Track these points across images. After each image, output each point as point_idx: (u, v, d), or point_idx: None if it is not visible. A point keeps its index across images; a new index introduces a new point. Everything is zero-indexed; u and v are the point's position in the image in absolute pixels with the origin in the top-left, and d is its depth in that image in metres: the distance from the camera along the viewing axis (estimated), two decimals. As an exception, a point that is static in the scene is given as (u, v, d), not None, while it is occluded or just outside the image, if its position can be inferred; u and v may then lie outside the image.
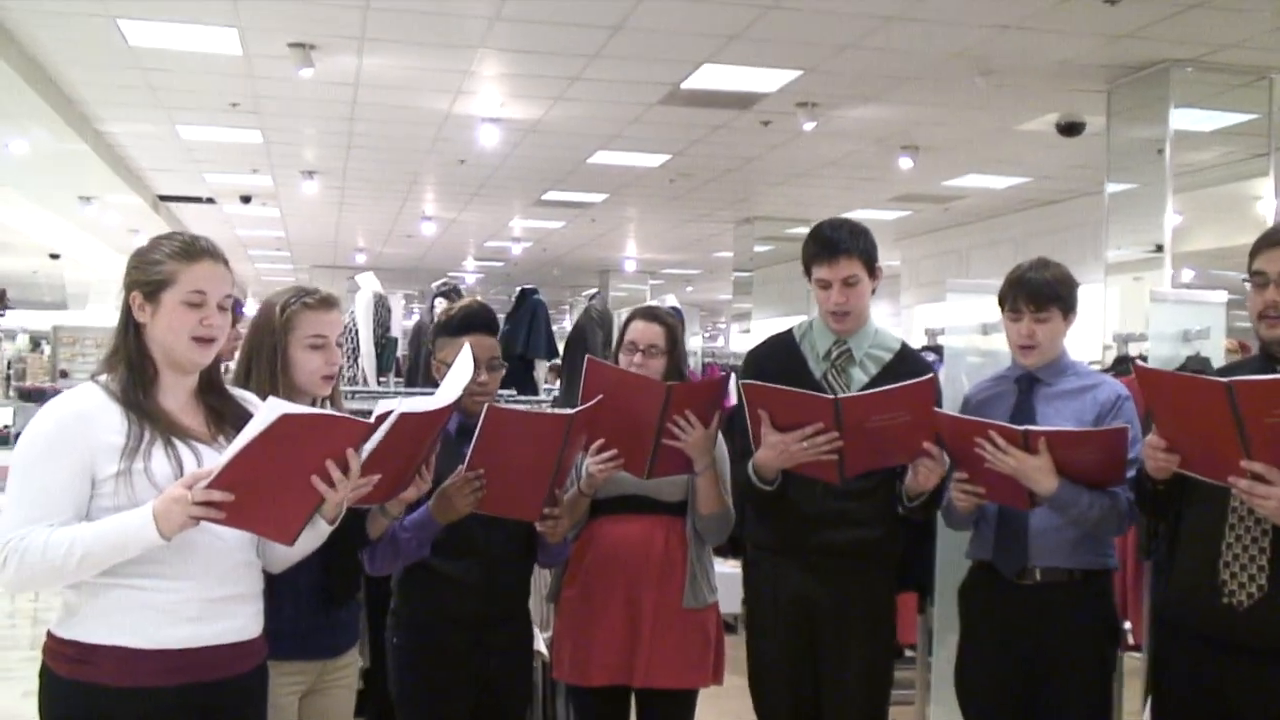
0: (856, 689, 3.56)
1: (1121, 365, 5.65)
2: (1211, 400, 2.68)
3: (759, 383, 3.39)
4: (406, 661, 3.44)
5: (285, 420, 2.35)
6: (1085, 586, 3.42)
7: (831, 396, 3.29)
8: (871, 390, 3.38)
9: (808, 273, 3.66)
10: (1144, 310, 8.42)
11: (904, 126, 10.40)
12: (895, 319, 20.47)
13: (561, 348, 8.74)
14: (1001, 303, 3.57)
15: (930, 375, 3.35)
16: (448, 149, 11.86)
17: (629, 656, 3.60)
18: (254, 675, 2.69)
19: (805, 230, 12.67)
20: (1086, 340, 5.77)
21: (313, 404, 3.08)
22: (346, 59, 8.57)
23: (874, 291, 3.68)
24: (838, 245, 3.54)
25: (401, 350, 8.91)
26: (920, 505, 3.49)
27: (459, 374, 2.95)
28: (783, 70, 8.67)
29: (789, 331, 3.78)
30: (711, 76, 8.83)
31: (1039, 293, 3.45)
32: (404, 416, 2.69)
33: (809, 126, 9.71)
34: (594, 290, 9.37)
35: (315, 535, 2.63)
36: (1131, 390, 3.63)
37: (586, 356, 3.69)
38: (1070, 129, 9.78)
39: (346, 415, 2.56)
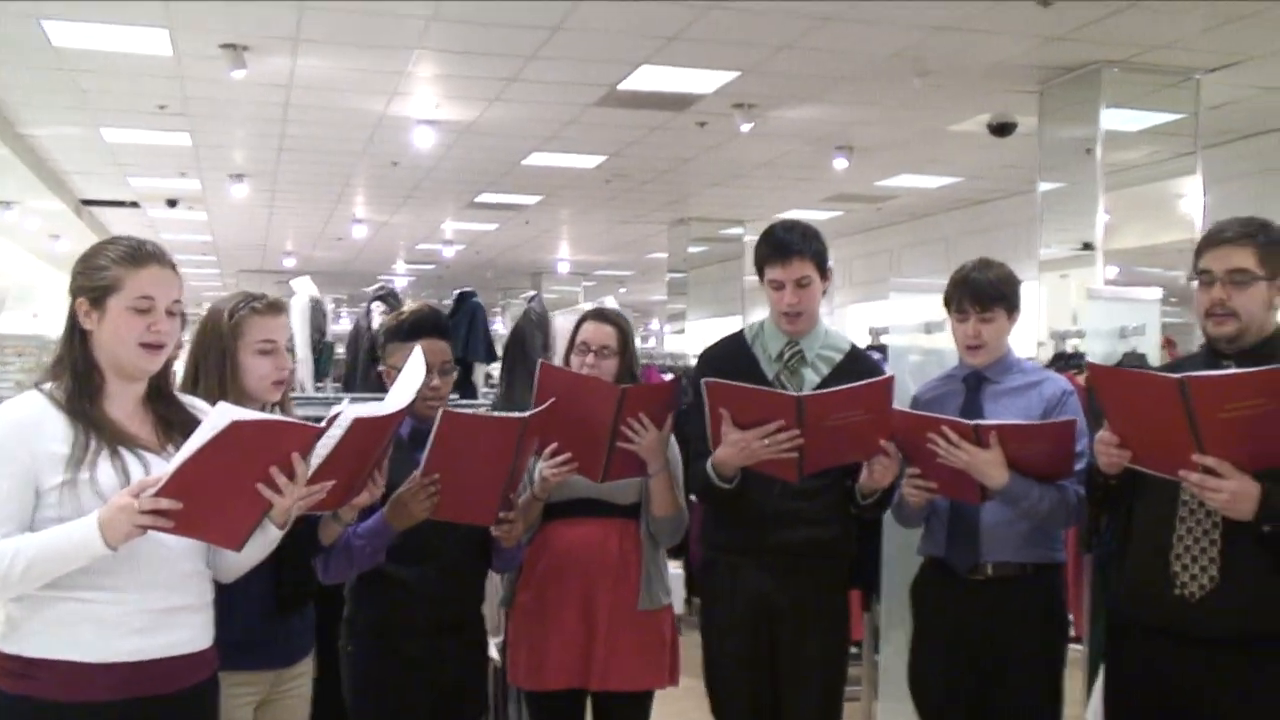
0: (813, 686, 3.59)
1: (1060, 362, 5.75)
2: (1164, 396, 2.72)
3: (722, 381, 3.39)
4: (362, 670, 3.41)
5: (235, 427, 2.32)
6: (1036, 580, 3.47)
7: (795, 395, 3.32)
8: (834, 389, 3.40)
9: (760, 274, 3.68)
10: (1071, 307, 8.57)
11: (839, 127, 10.47)
12: (828, 318, 20.62)
13: (500, 350, 8.70)
14: (947, 303, 3.61)
15: (889, 375, 3.39)
16: (381, 151, 11.76)
17: (585, 660, 3.60)
18: (205, 687, 2.64)
19: (739, 231, 12.79)
20: (1020, 337, 5.85)
21: (263, 410, 3.04)
22: (280, 60, 8.47)
23: (825, 293, 3.71)
24: (790, 247, 3.57)
25: (338, 354, 8.83)
26: (873, 503, 3.53)
27: (411, 379, 2.92)
28: (721, 71, 8.69)
29: (740, 333, 3.80)
30: (649, 78, 8.83)
31: (984, 293, 3.50)
32: (358, 421, 2.66)
33: (746, 128, 9.75)
34: (532, 293, 9.34)
35: (265, 541, 2.58)
36: (1074, 386, 3.70)
37: (540, 360, 3.68)
38: (1002, 129, 9.89)
39: (295, 420, 2.54)
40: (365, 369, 7.60)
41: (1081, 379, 4.56)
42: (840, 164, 11.43)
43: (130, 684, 2.47)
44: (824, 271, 3.64)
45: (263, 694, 3.04)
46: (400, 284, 25.07)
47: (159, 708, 2.51)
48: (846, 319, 17.33)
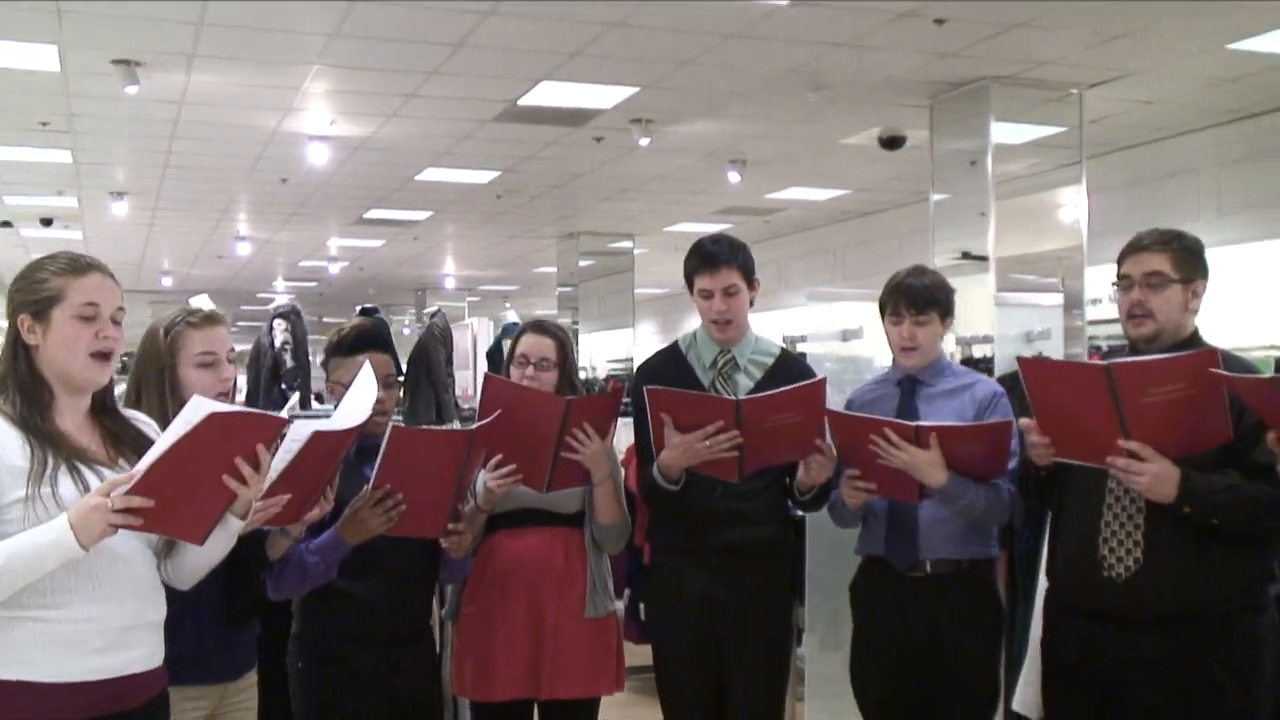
0: (758, 681, 3.70)
1: (969, 367, 5.93)
2: (1092, 383, 2.89)
3: (664, 389, 3.49)
4: (313, 685, 3.41)
5: (212, 418, 2.34)
6: (973, 575, 3.60)
7: (733, 399, 3.43)
8: (769, 392, 3.51)
9: (690, 285, 3.79)
10: (958, 314, 8.82)
11: (733, 141, 10.60)
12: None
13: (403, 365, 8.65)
14: (882, 308, 3.72)
15: (822, 378, 3.50)
16: (270, 167, 11.61)
17: (534, 669, 3.64)
18: (156, 704, 2.64)
19: (628, 244, 12.90)
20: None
21: None
22: (174, 76, 8.33)
23: (752, 303, 3.81)
24: (718, 258, 3.70)
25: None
26: (810, 499, 3.65)
27: (363, 394, 2.94)
28: (620, 87, 8.76)
29: (675, 344, 3.92)
30: (549, 94, 8.86)
31: (919, 297, 3.62)
32: (316, 435, 2.69)
33: (644, 142, 9.82)
34: (436, 308, 9.30)
35: (225, 536, 2.59)
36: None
37: (485, 373, 3.74)
38: (892, 142, 10.12)
39: (263, 412, 2.55)
40: (268, 386, 7.51)
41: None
42: (733, 177, 11.57)
43: (89, 704, 2.46)
44: (750, 281, 3.75)
45: (211, 708, 3.04)
46: (280, 302, 24.70)
47: None
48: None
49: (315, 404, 7.03)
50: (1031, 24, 7.29)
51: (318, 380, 7.08)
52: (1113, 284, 3.31)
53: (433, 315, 8.98)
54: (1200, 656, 3.04)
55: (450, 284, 22.51)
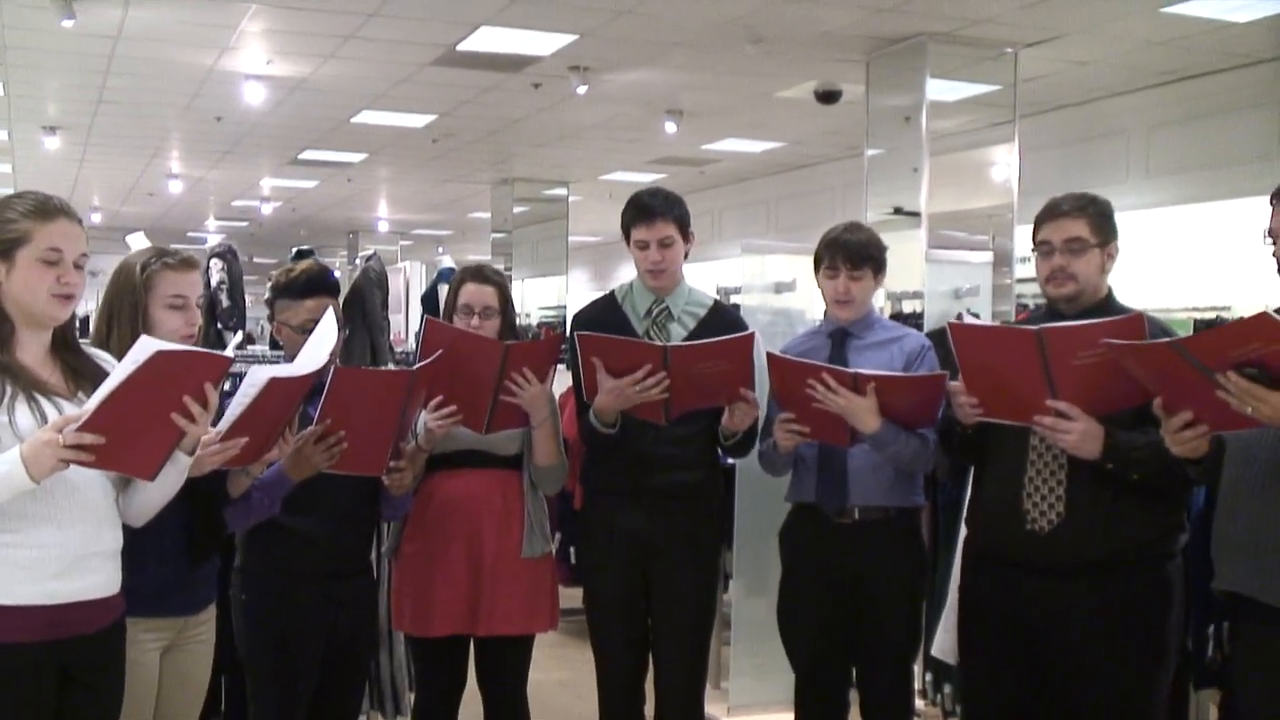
0: (685, 619, 3.83)
1: (899, 321, 6.06)
2: (1022, 347, 3.01)
3: (596, 334, 3.61)
4: (256, 617, 3.48)
5: (158, 357, 2.41)
6: (899, 522, 3.73)
7: (661, 345, 3.55)
8: (698, 342, 3.61)
9: (627, 237, 3.87)
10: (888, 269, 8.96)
11: (671, 91, 10.65)
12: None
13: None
14: (818, 261, 3.81)
15: (752, 332, 3.59)
16: (205, 105, 11.48)
17: (472, 606, 3.72)
18: (112, 631, 2.72)
19: (563, 191, 12.97)
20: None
21: None
22: (112, 11, 8.23)
23: (687, 255, 3.90)
24: (655, 210, 3.80)
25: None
26: (736, 444, 3.77)
27: (325, 337, 3.00)
28: (559, 34, 8.77)
29: (611, 294, 4.00)
30: (488, 39, 8.85)
31: (855, 252, 3.72)
32: (273, 381, 2.76)
33: (581, 90, 9.85)
34: (371, 251, 9.26)
35: (175, 472, 2.66)
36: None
37: (425, 317, 3.79)
38: (828, 97, 10.21)
39: (209, 351, 2.62)
40: (206, 326, 7.49)
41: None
42: (670, 128, 11.62)
43: (43, 627, 2.54)
44: (686, 234, 3.85)
45: (169, 640, 3.10)
46: (211, 241, 24.41)
47: (69, 651, 2.59)
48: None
49: (250, 347, 7.03)
50: (969, -20, 7.41)
51: (250, 320, 7.07)
52: (1031, 249, 3.42)
53: (368, 259, 8.93)
54: (1116, 601, 3.20)
55: (383, 227, 22.38)
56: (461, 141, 13.36)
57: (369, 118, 12.01)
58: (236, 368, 3.26)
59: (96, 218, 20.79)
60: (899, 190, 9.04)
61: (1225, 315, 8.78)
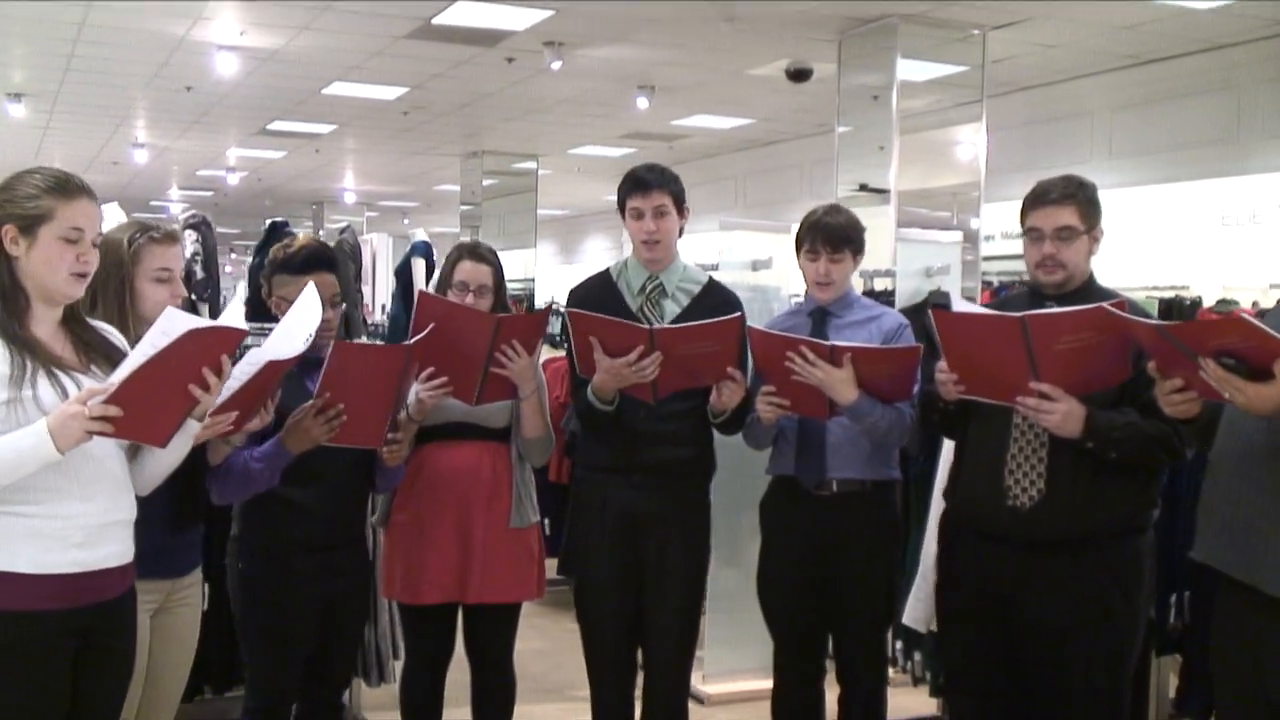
0: (676, 592, 3.91)
1: (874, 299, 6.17)
2: (1006, 333, 3.11)
3: (584, 312, 3.69)
4: (254, 585, 3.56)
5: (190, 334, 2.51)
6: (875, 495, 3.85)
7: (647, 326, 3.63)
8: (685, 324, 3.71)
9: (622, 210, 3.95)
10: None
11: (643, 67, 10.71)
12: (619, 252, 20.98)
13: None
14: (799, 244, 3.92)
15: (738, 314, 3.69)
16: (175, 75, 11.44)
17: (461, 575, 3.82)
18: (127, 598, 2.82)
19: (532, 165, 13.01)
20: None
21: None
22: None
23: (681, 232, 3.99)
24: (650, 181, 3.90)
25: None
26: (725, 421, 3.86)
27: (308, 314, 3.07)
28: (535, 9, 8.82)
29: (606, 271, 4.07)
30: (464, 13, 8.90)
31: (835, 235, 3.84)
32: (270, 365, 2.85)
33: (556, 65, 9.89)
34: (346, 224, 9.33)
35: (184, 439, 2.75)
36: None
37: (418, 290, 3.87)
38: (799, 75, 10.31)
39: (229, 325, 2.69)
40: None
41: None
42: (641, 103, 11.68)
43: (67, 595, 2.63)
44: (680, 208, 3.94)
45: (160, 600, 3.19)
46: (174, 210, 24.26)
47: (89, 617, 2.68)
48: (636, 254, 17.68)
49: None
50: (940, -35, 7.52)
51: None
52: (1020, 234, 3.50)
53: (342, 231, 9.01)
54: (1092, 574, 3.33)
55: (350, 198, 22.32)
56: (432, 114, 13.37)
57: (340, 89, 12.01)
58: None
59: (59, 186, 20.60)
60: (868, 168, 9.16)
61: (1183, 294, 8.97)
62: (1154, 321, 3.00)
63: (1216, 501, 2.95)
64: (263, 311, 3.84)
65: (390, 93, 12.20)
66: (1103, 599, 3.34)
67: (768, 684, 4.11)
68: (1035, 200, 3.45)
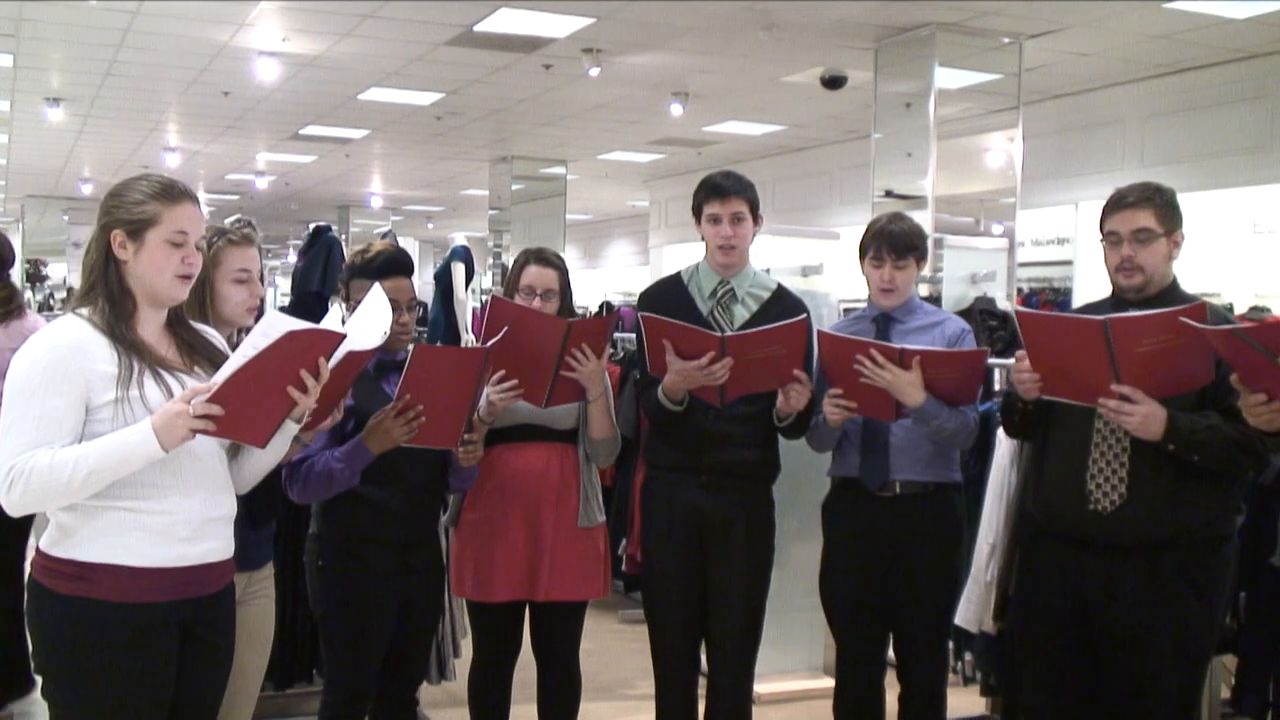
0: (740, 592, 3.99)
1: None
2: (1088, 335, 3.16)
3: (658, 317, 3.77)
4: (333, 582, 3.65)
5: (287, 337, 2.60)
6: (937, 497, 3.92)
7: (719, 334, 3.70)
8: (754, 329, 3.79)
9: (698, 216, 4.04)
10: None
11: (679, 74, 10.80)
12: (642, 257, 21.06)
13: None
14: (863, 251, 3.99)
15: (804, 316, 3.77)
16: (214, 80, 11.58)
17: (531, 574, 3.90)
18: (226, 592, 2.92)
19: (561, 170, 13.16)
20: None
21: (236, 334, 3.27)
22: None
23: (754, 237, 4.07)
24: (728, 189, 3.99)
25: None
26: (789, 426, 3.94)
27: (377, 316, 3.14)
28: (576, 17, 8.92)
29: (677, 274, 4.15)
30: (506, 20, 9.00)
31: (899, 243, 3.91)
32: (350, 355, 2.93)
33: (594, 72, 9.99)
34: (387, 229, 9.44)
35: (283, 439, 2.85)
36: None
37: (491, 295, 3.96)
38: (833, 82, 10.39)
39: (328, 328, 2.77)
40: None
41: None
42: (675, 110, 11.78)
43: (172, 588, 2.73)
44: (756, 216, 4.03)
45: (238, 593, 3.27)
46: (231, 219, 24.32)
47: (192, 610, 2.78)
48: (664, 260, 17.79)
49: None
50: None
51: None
52: (1100, 240, 3.55)
53: (383, 236, 9.13)
54: (1173, 580, 3.36)
55: (376, 202, 22.46)
56: (465, 120, 13.48)
57: (376, 94, 12.13)
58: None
59: (87, 189, 20.79)
60: (901, 174, 9.25)
61: (1214, 301, 9.03)
62: (1230, 327, 3.03)
63: None
64: (308, 312, 3.90)
65: (426, 98, 12.31)
66: (1181, 603, 3.36)
67: (816, 683, 4.19)
68: (1113, 205, 3.50)
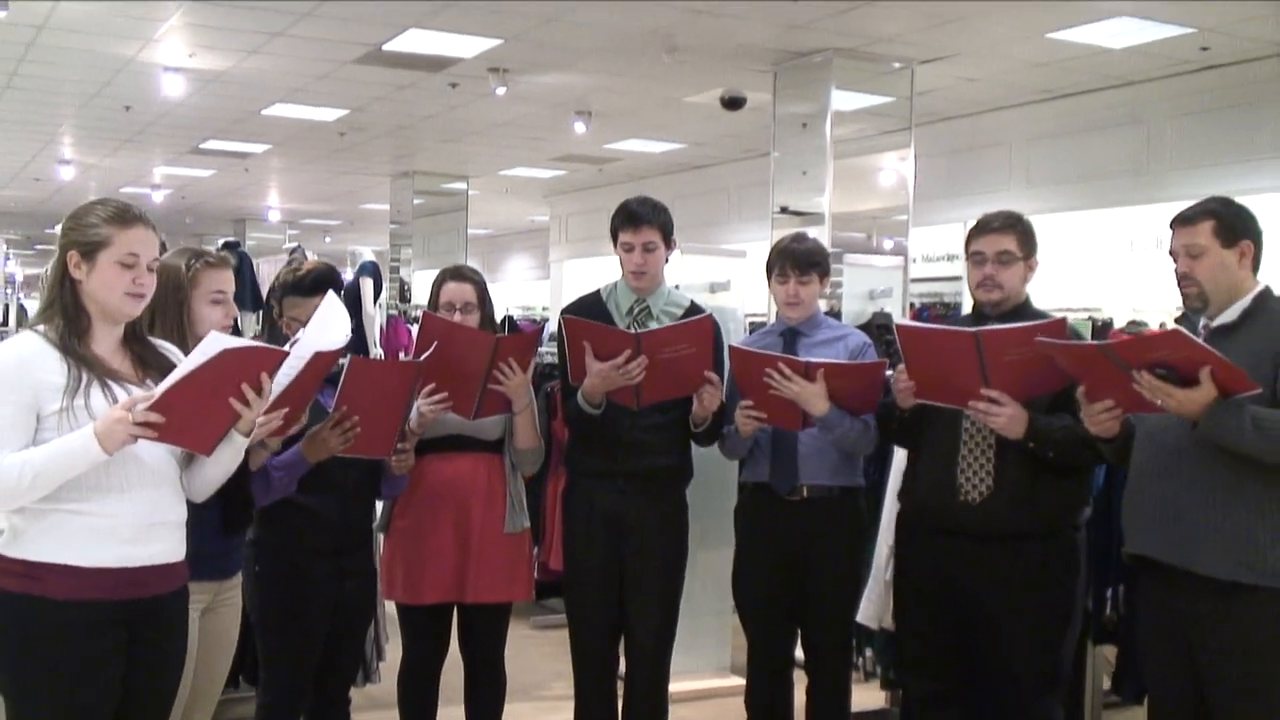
0: (656, 590, 4.22)
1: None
2: (961, 345, 3.52)
3: (577, 318, 4.03)
4: (270, 587, 3.79)
5: (224, 354, 2.78)
6: (843, 500, 4.18)
7: (633, 332, 3.94)
8: (663, 326, 4.06)
9: (614, 239, 4.25)
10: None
11: (583, 93, 11.02)
12: (542, 271, 21.22)
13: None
14: (769, 269, 4.25)
15: (708, 314, 4.05)
16: (116, 95, 11.54)
17: (459, 577, 4.08)
18: (178, 595, 3.05)
19: (463, 185, 13.27)
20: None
21: None
22: (44, 1, 8.34)
23: (668, 260, 4.30)
24: (641, 217, 4.19)
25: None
26: (704, 432, 4.18)
27: (336, 319, 3.30)
28: (484, 38, 9.10)
29: (597, 292, 4.36)
30: (415, 40, 9.14)
31: (803, 259, 4.18)
32: (317, 355, 3.10)
33: (500, 91, 10.16)
34: (296, 245, 9.49)
35: (232, 451, 3.00)
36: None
37: (423, 311, 4.14)
38: (733, 103, 10.65)
39: (268, 346, 2.96)
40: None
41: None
42: (579, 128, 11.99)
43: (118, 587, 2.87)
44: (668, 241, 4.25)
45: (207, 602, 3.42)
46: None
47: (140, 610, 2.92)
48: (564, 275, 17.99)
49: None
50: (875, 3, 7.93)
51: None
52: (965, 259, 3.92)
53: (292, 252, 9.19)
54: (1034, 565, 3.71)
55: (274, 216, 22.33)
56: (368, 135, 13.56)
57: (280, 110, 12.18)
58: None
59: (-23, 199, 20.45)
60: (798, 192, 9.58)
61: (1096, 316, 9.48)
62: (1096, 342, 3.41)
63: (1144, 502, 3.36)
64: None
65: (330, 114, 12.39)
66: (1043, 588, 3.72)
67: (724, 682, 4.41)
68: (980, 228, 3.88)
